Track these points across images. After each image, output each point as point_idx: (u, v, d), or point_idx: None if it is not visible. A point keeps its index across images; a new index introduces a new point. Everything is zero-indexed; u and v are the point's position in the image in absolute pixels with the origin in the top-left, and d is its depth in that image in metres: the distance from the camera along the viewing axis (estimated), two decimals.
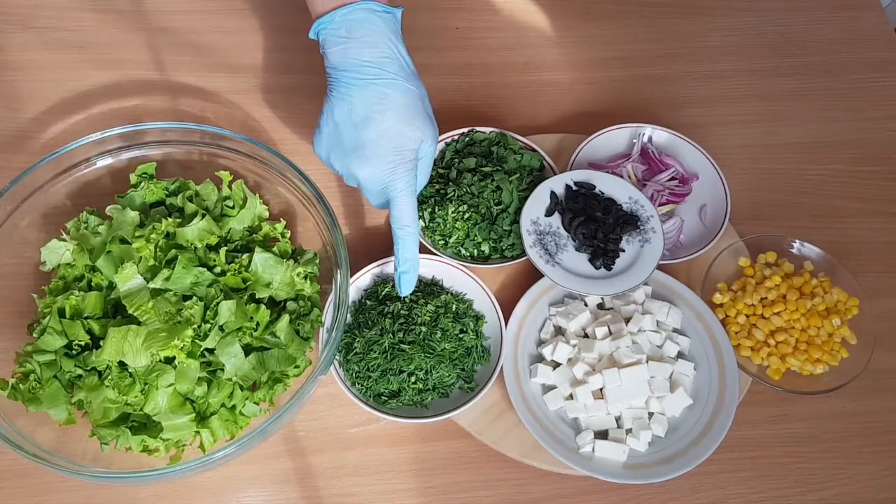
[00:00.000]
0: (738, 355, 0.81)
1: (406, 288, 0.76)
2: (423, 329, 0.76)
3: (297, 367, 0.73)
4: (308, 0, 0.72)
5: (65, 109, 0.93)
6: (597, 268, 0.81)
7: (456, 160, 0.87)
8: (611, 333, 0.79)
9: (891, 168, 0.99)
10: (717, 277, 0.86)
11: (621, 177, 0.88)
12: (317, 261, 0.79)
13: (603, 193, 0.84)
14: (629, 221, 0.82)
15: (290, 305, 0.76)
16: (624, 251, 0.82)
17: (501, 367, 0.77)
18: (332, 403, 0.79)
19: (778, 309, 0.82)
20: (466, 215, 0.83)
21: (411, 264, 0.75)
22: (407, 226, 0.73)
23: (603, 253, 0.81)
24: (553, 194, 0.83)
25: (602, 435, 0.76)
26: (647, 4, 1.09)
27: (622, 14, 1.08)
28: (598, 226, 0.81)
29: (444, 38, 1.04)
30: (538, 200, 0.83)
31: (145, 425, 0.70)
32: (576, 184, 0.84)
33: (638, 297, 0.82)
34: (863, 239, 0.93)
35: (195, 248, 0.75)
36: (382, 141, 0.69)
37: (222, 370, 0.70)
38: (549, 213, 0.83)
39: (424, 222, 0.85)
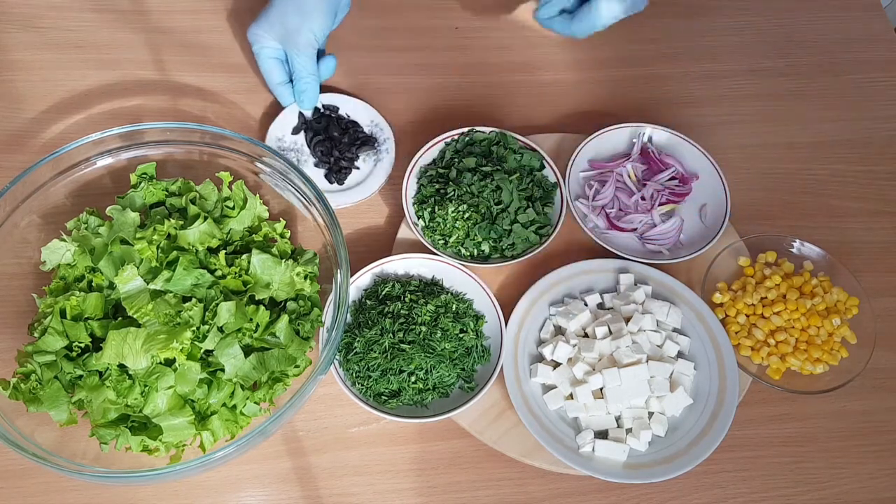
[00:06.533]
0: (738, 355, 0.81)
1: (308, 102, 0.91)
2: (424, 329, 0.76)
3: (297, 366, 0.73)
4: None
5: (65, 109, 0.93)
6: (330, 182, 0.89)
7: (456, 160, 0.87)
8: (611, 333, 0.79)
9: (891, 168, 0.99)
10: (717, 277, 0.86)
11: (621, 176, 0.88)
12: (317, 261, 0.79)
13: (348, 116, 0.93)
14: (366, 142, 0.91)
15: (290, 305, 0.76)
16: (359, 168, 0.91)
17: (501, 367, 0.77)
18: (332, 403, 0.79)
19: (778, 308, 0.82)
20: (466, 215, 0.83)
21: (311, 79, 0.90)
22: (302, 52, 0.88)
23: (337, 169, 0.90)
24: (300, 115, 0.92)
25: (602, 434, 0.76)
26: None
27: None
28: (333, 144, 0.90)
29: (444, 37, 1.04)
30: (286, 120, 0.92)
31: (145, 425, 0.70)
32: (324, 107, 0.93)
33: (638, 296, 0.82)
34: (863, 239, 0.93)
35: (196, 250, 0.75)
36: None
37: (223, 371, 0.70)
38: (295, 132, 0.92)
39: (424, 222, 0.85)
